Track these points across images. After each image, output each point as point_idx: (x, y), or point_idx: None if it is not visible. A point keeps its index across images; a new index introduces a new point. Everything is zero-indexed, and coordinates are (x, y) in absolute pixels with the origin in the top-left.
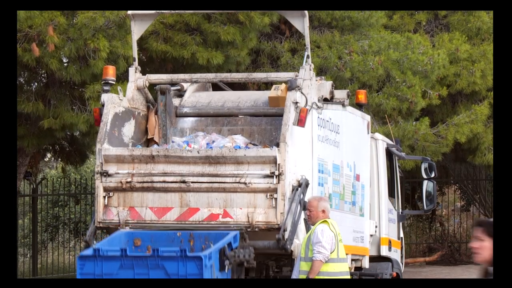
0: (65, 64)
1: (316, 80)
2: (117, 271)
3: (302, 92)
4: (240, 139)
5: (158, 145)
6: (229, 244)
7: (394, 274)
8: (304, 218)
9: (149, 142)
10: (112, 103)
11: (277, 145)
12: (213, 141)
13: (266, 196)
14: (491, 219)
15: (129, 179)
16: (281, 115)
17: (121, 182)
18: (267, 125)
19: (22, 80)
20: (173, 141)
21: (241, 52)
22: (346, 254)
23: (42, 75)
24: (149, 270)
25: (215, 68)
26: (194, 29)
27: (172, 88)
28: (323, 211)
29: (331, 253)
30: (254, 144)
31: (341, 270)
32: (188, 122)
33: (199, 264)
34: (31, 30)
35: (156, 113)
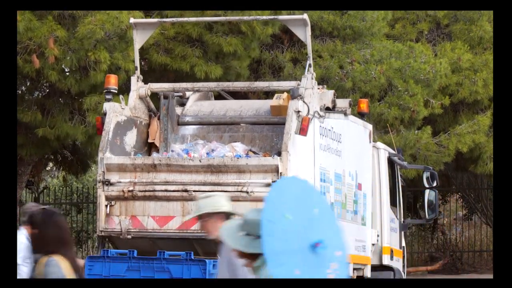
0: (66, 74)
1: (318, 89)
2: (124, 273)
3: (304, 101)
4: (239, 147)
5: (158, 149)
6: None
7: None
8: None
9: (150, 151)
10: (114, 112)
11: (279, 154)
12: (213, 150)
13: None
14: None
15: (131, 188)
16: (283, 124)
17: (123, 190)
18: (269, 132)
19: (24, 89)
20: (173, 150)
21: (243, 63)
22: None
23: (44, 85)
24: (155, 272)
25: (215, 79)
26: (195, 40)
27: (175, 94)
28: None
29: None
30: (253, 152)
31: None
32: (189, 129)
33: (203, 268)
34: (31, 42)
35: (158, 118)
